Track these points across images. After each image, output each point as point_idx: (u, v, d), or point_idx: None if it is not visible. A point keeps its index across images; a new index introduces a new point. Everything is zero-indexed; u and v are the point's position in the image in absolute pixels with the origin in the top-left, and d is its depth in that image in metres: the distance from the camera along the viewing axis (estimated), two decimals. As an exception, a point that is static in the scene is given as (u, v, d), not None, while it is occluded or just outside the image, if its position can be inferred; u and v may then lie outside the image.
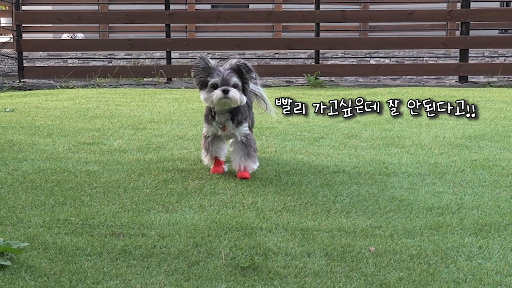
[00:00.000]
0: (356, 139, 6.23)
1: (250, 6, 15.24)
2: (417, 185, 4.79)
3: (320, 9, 11.22)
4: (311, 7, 11.45)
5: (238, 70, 4.79)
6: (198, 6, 14.39)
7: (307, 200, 4.43)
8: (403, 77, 11.93)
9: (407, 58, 13.24)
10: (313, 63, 11.45)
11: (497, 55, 13.51)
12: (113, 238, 3.72)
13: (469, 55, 11.39)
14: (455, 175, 5.04)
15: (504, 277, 3.27)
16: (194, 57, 13.32)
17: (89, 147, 5.83)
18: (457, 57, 11.57)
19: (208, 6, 15.58)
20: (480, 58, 13.51)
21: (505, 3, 16.40)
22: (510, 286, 3.18)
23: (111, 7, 13.89)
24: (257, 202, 4.38)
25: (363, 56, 14.23)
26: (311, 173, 5.05)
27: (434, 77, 11.86)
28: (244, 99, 4.83)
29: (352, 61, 14.17)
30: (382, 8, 13.38)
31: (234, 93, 4.73)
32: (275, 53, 14.14)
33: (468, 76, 11.31)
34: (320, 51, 11.59)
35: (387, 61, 13.90)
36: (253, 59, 13.25)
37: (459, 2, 11.52)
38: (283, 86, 10.81)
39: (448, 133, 6.47)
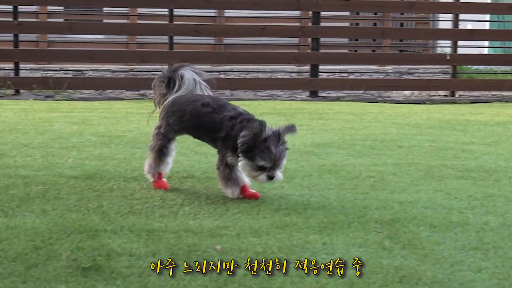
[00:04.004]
0: (207, 147, 6.19)
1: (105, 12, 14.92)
2: (265, 188, 4.81)
3: (174, 23, 11.18)
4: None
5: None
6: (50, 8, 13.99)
7: (154, 204, 4.35)
8: (257, 91, 12.07)
9: (262, 75, 13.43)
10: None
11: (347, 72, 13.97)
12: None
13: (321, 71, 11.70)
14: (302, 179, 5.11)
15: (348, 270, 3.32)
16: (45, 69, 12.94)
17: None
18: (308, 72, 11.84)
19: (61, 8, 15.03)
20: (331, 74, 13.91)
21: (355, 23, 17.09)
22: (351, 278, 3.23)
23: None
24: (103, 206, 4.27)
25: (218, 73, 14.29)
26: (160, 178, 4.98)
27: (288, 92, 12.07)
28: None
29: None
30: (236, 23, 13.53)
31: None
32: (130, 70, 13.95)
33: (319, 91, 11.58)
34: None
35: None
36: (107, 74, 13.02)
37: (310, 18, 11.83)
38: (137, 98, 10.68)
39: (298, 141, 6.57)
